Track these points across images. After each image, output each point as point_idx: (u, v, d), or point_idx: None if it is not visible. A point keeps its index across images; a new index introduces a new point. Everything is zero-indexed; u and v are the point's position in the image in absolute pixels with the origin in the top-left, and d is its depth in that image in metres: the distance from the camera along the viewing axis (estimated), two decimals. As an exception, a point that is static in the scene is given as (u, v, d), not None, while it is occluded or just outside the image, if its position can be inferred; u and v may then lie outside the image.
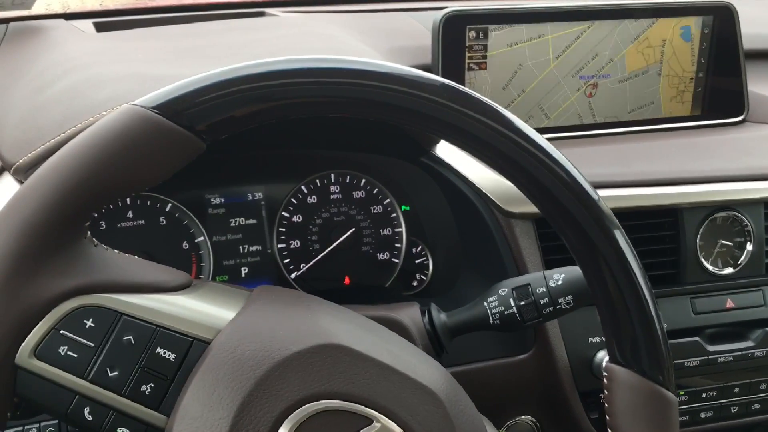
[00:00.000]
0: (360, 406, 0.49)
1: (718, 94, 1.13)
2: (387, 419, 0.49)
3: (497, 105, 0.54)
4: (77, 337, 0.49)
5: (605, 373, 0.56)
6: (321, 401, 0.48)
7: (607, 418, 0.56)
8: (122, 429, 0.50)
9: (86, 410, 0.49)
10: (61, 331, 0.49)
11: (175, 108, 0.50)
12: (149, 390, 0.50)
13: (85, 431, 0.50)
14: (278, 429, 0.47)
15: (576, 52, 1.06)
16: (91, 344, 0.49)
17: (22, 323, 0.48)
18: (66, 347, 0.49)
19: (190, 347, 0.51)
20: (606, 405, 0.56)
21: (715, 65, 1.12)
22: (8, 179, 0.80)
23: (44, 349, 0.49)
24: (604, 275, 0.54)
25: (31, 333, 0.48)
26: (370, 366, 0.51)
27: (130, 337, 0.50)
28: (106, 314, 0.50)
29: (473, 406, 0.55)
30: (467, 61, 1.02)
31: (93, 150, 0.49)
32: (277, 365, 0.49)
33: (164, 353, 0.50)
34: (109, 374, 0.49)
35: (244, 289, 0.58)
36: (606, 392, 0.56)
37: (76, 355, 0.49)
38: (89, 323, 0.50)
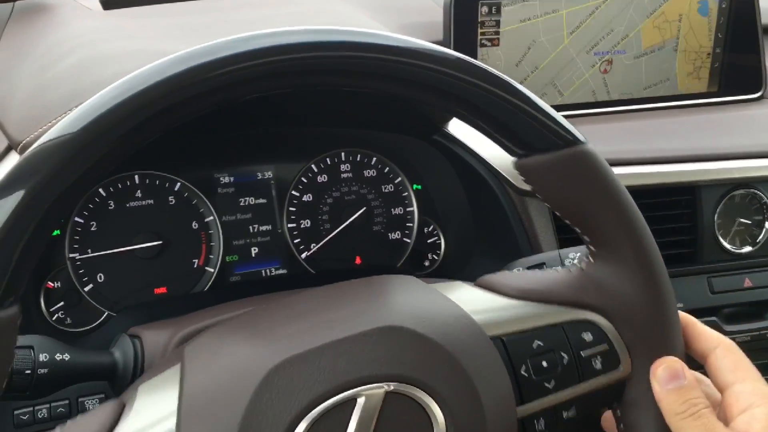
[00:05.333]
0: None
1: (735, 70, 1.10)
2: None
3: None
4: None
5: (522, 177, 0.56)
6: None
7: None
8: None
9: None
10: None
11: None
12: None
13: None
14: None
15: (590, 27, 1.04)
16: None
17: None
18: None
19: None
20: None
21: (733, 40, 1.09)
22: (15, 157, 0.79)
23: None
24: None
25: None
26: None
27: None
28: None
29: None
30: (480, 37, 1.00)
31: None
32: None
33: None
34: None
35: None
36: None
37: None
38: None
